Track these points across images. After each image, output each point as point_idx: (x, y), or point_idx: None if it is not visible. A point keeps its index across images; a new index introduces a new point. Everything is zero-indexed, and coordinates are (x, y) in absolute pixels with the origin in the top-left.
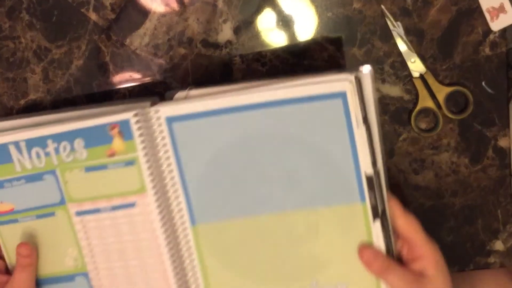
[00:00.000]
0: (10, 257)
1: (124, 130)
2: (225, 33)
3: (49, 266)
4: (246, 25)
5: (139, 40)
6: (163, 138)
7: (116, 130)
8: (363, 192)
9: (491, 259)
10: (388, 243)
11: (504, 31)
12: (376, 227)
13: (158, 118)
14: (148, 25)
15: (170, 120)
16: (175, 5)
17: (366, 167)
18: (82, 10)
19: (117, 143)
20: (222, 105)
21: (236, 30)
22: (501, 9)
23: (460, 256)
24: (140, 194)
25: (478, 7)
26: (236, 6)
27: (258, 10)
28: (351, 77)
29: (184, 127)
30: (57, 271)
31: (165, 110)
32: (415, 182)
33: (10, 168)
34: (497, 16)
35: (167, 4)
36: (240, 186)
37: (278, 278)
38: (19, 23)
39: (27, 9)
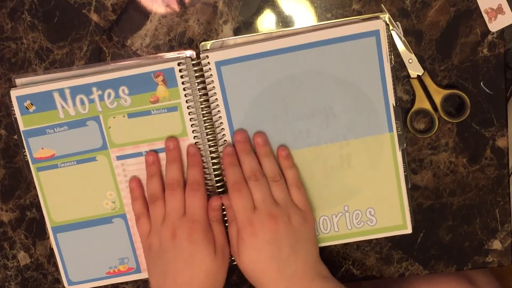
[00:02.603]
0: (47, 203)
1: (168, 78)
2: (226, 34)
3: (88, 210)
4: (246, 26)
5: (140, 41)
6: (211, 81)
7: (160, 78)
8: (391, 123)
9: (489, 258)
10: (407, 171)
11: (502, 32)
12: (401, 155)
13: (208, 63)
14: (149, 26)
15: (219, 64)
16: (175, 6)
17: (393, 100)
18: (84, 11)
19: (161, 90)
20: (264, 48)
21: (236, 31)
22: (499, 10)
23: (458, 255)
24: (181, 138)
25: (476, 8)
26: (237, 7)
27: (258, 11)
28: (384, 18)
29: (231, 70)
30: (96, 214)
31: (214, 55)
32: (413, 181)
33: (53, 115)
34: (495, 17)
35: (167, 5)
36: (281, 123)
37: (314, 205)
38: (21, 24)
39: (28, 10)
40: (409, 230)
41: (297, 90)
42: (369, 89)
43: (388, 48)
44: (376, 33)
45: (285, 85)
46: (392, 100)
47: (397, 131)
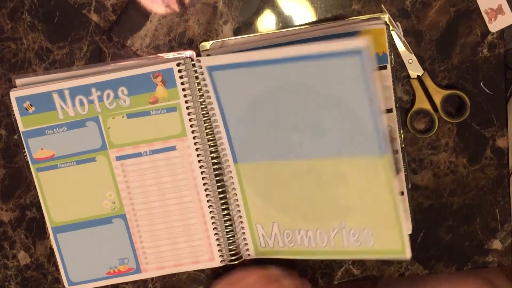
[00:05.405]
0: (47, 203)
1: (167, 78)
2: (226, 34)
3: (87, 210)
4: (246, 26)
5: (140, 41)
6: (205, 85)
7: (159, 78)
8: (382, 145)
9: (489, 258)
10: (408, 196)
11: (502, 32)
12: (397, 182)
13: (200, 67)
14: (149, 26)
15: (211, 69)
16: (175, 7)
17: (384, 123)
18: (84, 11)
19: (160, 91)
20: (256, 57)
21: (236, 31)
22: (499, 10)
23: (458, 255)
24: (180, 138)
25: (476, 8)
26: (236, 8)
27: (258, 12)
28: (384, 18)
29: (223, 75)
30: (95, 214)
31: (205, 60)
32: (413, 181)
33: (52, 115)
34: (495, 17)
35: (167, 6)
36: (274, 132)
37: (308, 216)
38: (21, 25)
39: (29, 10)
40: (408, 256)
41: (289, 101)
42: (357, 109)
43: (389, 48)
44: (358, 53)
45: (277, 95)
46: (382, 124)
47: (392, 156)
